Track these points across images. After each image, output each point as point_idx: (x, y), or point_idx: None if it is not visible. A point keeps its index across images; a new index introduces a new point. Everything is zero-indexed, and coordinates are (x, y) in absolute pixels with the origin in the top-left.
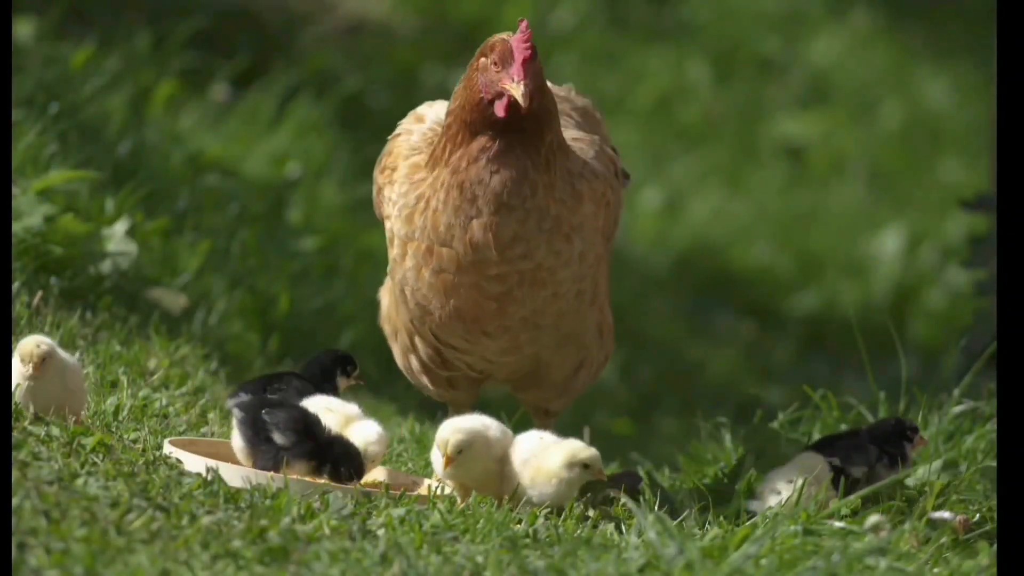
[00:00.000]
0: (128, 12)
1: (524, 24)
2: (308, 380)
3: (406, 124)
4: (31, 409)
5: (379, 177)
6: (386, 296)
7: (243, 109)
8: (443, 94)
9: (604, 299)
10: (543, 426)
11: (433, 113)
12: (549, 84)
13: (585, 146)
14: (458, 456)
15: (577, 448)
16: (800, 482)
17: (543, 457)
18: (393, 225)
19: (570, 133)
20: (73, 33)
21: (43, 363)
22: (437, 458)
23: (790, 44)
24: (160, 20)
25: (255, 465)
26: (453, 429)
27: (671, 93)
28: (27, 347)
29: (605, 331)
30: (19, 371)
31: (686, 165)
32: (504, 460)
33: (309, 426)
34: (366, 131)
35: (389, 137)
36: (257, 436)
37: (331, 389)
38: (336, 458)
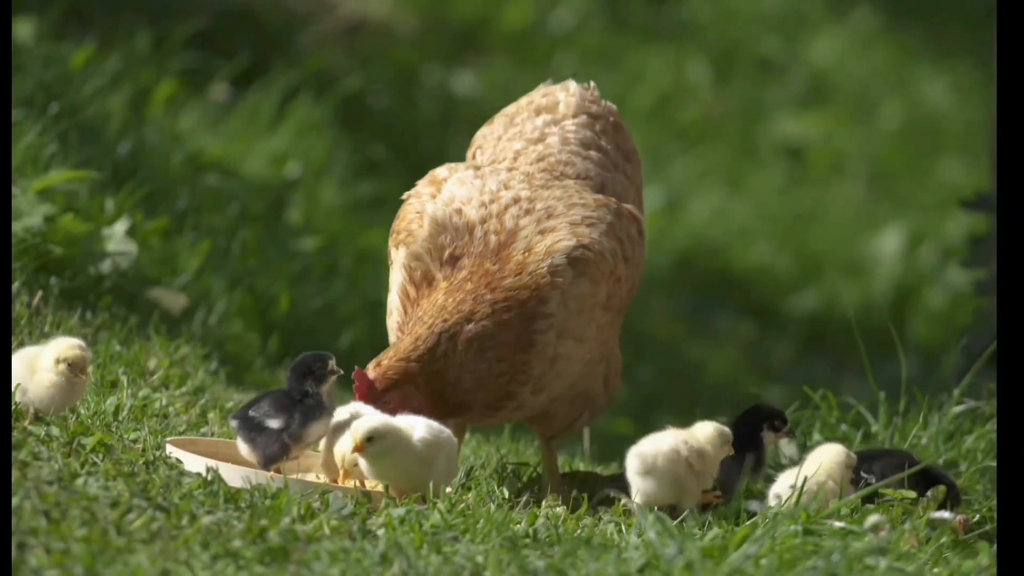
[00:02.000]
0: (128, 12)
1: (357, 375)
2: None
3: (421, 186)
4: (59, 412)
5: (390, 239)
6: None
7: (243, 109)
8: (443, 94)
9: (612, 347)
10: (548, 447)
11: (454, 185)
12: (571, 84)
13: (594, 225)
14: (368, 445)
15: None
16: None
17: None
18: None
19: (570, 215)
20: (73, 33)
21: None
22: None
23: (790, 44)
24: (160, 20)
25: (263, 458)
26: (368, 418)
27: (671, 93)
28: (74, 351)
29: (612, 377)
30: (58, 374)
31: (686, 165)
32: (429, 462)
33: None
34: (366, 131)
35: (403, 196)
36: (253, 431)
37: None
38: (304, 369)
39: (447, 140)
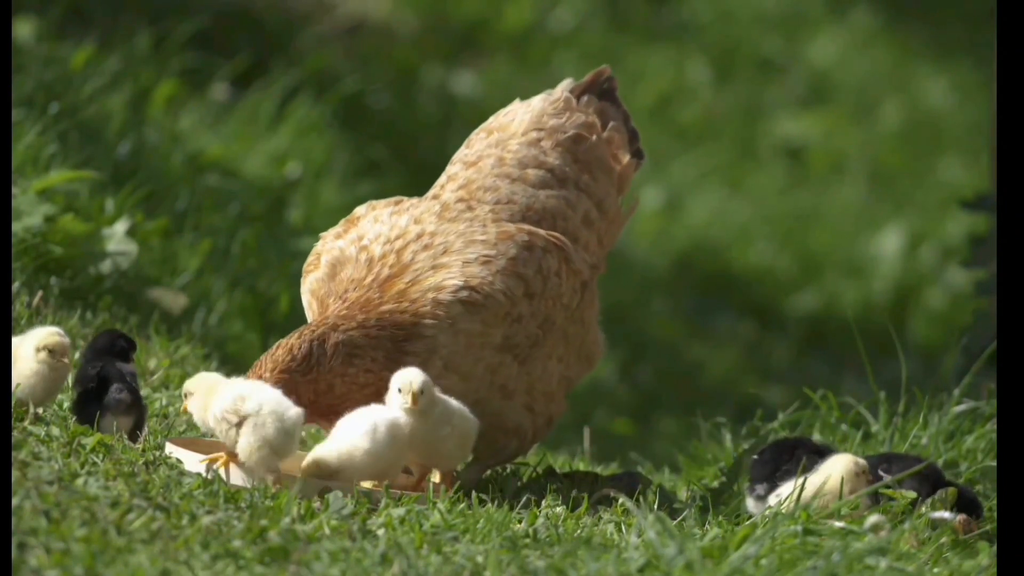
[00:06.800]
0: (128, 12)
1: None
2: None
3: (338, 225)
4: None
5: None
6: None
7: (243, 109)
8: (443, 94)
9: (540, 378)
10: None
11: (367, 223)
12: (535, 99)
13: (489, 263)
14: (421, 397)
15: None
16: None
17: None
18: None
19: (466, 253)
20: (73, 33)
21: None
22: (395, 399)
23: (790, 44)
24: (160, 20)
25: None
26: (416, 372)
27: (671, 93)
28: (54, 338)
29: (539, 405)
30: (39, 362)
31: (686, 165)
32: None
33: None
34: (366, 131)
35: (321, 234)
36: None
37: None
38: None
39: (447, 140)
